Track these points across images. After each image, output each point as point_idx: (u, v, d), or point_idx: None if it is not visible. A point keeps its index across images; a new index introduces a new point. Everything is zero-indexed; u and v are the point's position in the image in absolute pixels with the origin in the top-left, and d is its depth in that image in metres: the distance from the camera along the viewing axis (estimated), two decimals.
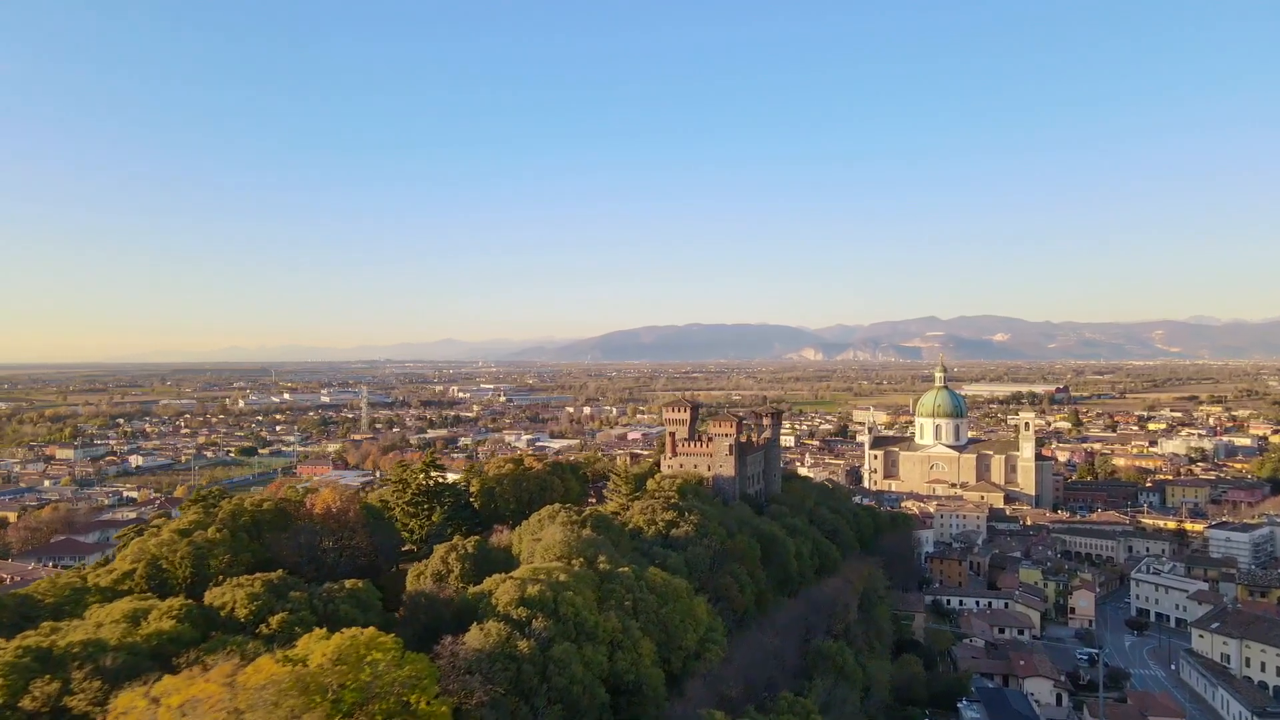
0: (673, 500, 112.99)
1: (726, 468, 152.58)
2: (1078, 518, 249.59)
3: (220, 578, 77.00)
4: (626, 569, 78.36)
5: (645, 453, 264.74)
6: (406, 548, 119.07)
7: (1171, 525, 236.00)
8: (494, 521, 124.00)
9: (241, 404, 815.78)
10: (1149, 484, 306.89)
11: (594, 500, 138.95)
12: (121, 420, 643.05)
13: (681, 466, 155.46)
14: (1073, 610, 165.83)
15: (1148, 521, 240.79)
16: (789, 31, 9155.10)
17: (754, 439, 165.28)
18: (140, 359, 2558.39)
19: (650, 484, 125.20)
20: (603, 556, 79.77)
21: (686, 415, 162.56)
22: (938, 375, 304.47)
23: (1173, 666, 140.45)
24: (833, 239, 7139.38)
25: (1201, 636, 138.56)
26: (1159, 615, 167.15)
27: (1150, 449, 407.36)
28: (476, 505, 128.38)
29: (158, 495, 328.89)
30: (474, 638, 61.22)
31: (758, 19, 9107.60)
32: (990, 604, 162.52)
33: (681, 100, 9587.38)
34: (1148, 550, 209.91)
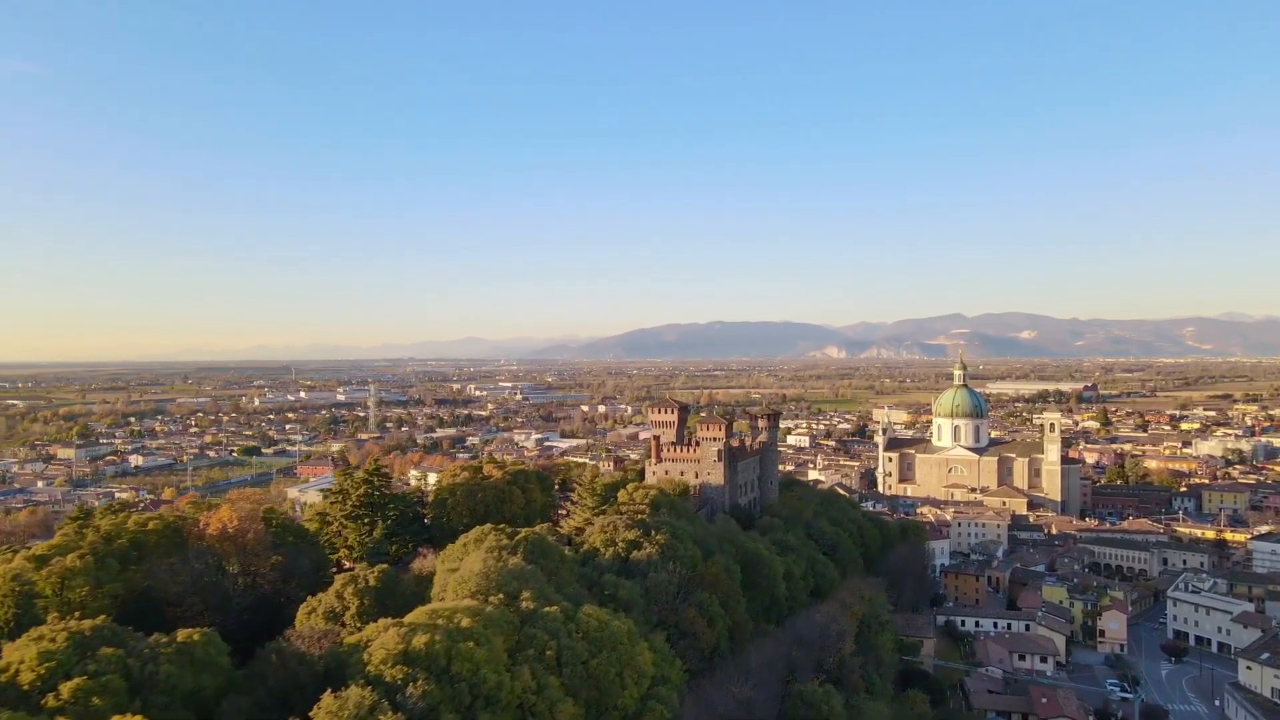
0: (640, 516, 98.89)
1: (715, 475, 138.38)
2: (1107, 526, 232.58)
3: (77, 615, 64.39)
4: (554, 609, 64.39)
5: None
6: (349, 567, 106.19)
7: (1210, 535, 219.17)
8: (447, 537, 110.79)
9: (257, 402, 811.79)
10: (1183, 488, 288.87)
11: (563, 513, 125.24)
12: (133, 419, 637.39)
13: (666, 473, 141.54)
14: (1102, 633, 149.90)
15: (1183, 530, 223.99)
16: (817, 28, 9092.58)
17: (748, 443, 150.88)
18: (169, 358, 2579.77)
19: (621, 495, 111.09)
20: (528, 593, 65.86)
21: (673, 417, 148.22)
22: (956, 373, 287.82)
23: (1217, 702, 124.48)
24: (857, 236, 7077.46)
25: (1250, 668, 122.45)
26: (1199, 639, 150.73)
27: (1184, 450, 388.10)
28: (428, 518, 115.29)
29: (149, 496, 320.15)
30: (326, 710, 47.66)
31: (789, 16, 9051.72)
32: (1009, 626, 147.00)
33: (704, 97, 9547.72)
34: (1184, 563, 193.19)
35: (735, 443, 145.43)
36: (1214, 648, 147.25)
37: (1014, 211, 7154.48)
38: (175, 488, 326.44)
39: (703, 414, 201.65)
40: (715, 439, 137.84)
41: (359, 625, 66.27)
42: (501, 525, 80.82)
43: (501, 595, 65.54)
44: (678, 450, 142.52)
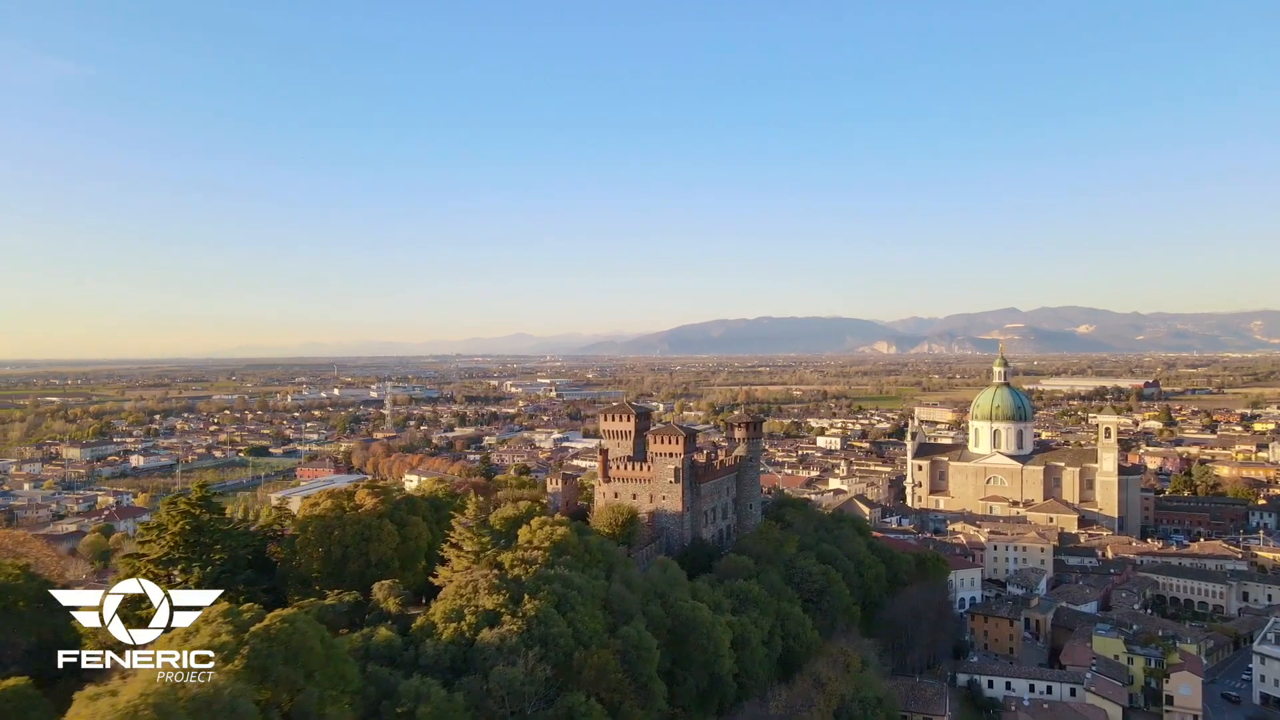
0: (518, 571, 72.10)
1: (671, 500, 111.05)
2: (1173, 548, 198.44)
3: None
4: None
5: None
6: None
7: None
8: (296, 587, 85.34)
9: (290, 399, 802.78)
10: (1262, 500, 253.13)
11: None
12: (158, 416, 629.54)
13: (616, 496, 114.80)
14: (1170, 699, 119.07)
15: (1266, 555, 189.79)
16: (877, 24, 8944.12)
17: (718, 459, 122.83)
18: (224, 355, 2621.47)
19: (522, 534, 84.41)
20: None
21: (629, 425, 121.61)
22: (996, 370, 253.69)
23: None
24: (909, 231, 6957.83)
25: None
26: None
27: (1259, 455, 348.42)
28: (279, 558, 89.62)
29: (134, 501, 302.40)
30: None
31: (850, 10, 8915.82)
32: (1050, 689, 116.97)
33: (752, 92, 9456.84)
34: (1270, 599, 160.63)
35: (701, 458, 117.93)
36: None
37: (1071, 204, 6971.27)
38: (151, 492, 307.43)
39: (719, 419, 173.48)
40: (671, 455, 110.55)
41: None
42: (247, 606, 54.15)
43: None
44: (630, 468, 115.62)
